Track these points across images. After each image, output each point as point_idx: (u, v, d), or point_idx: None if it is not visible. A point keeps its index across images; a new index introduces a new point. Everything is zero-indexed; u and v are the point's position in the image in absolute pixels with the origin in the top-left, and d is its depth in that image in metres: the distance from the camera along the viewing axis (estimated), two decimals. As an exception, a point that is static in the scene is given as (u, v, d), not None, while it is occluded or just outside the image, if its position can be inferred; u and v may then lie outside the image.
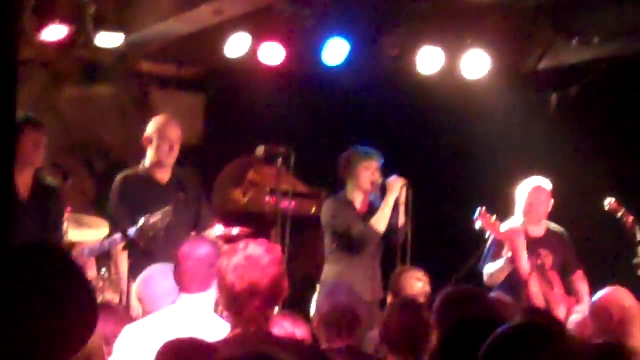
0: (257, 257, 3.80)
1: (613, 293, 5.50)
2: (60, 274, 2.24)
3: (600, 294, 5.55)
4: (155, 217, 6.10)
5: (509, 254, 7.09)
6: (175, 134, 6.75)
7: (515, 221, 7.40)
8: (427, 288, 6.22)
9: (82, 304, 2.27)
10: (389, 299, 6.45)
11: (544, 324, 2.80)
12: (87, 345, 2.60)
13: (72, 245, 7.19)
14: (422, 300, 5.96)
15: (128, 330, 4.42)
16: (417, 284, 6.21)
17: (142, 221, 6.10)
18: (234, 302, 3.81)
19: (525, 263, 7.09)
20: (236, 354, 1.91)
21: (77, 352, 2.24)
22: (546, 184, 7.43)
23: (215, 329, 4.23)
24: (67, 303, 2.16)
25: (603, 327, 5.28)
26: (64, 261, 2.30)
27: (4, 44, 3.56)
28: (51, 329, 2.07)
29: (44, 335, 2.07)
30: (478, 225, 7.13)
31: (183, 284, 4.52)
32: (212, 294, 4.50)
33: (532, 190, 7.39)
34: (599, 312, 5.40)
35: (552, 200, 7.44)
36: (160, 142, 6.69)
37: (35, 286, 2.11)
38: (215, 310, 4.67)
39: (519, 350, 2.59)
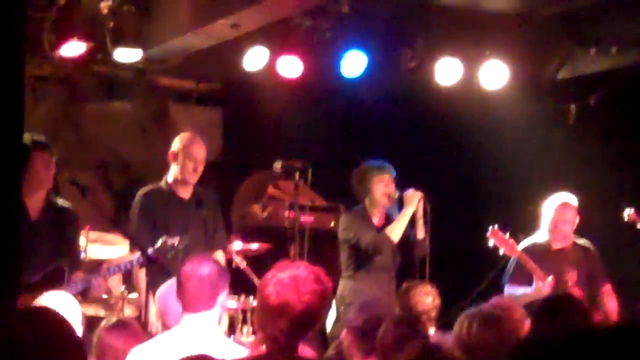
0: (301, 280, 3.69)
1: None
2: (53, 336, 2.50)
3: None
4: (174, 239, 6.09)
5: (540, 284, 6.99)
6: (200, 153, 6.78)
7: (539, 236, 7.34)
8: (437, 301, 6.09)
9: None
10: None
11: None
12: None
13: (92, 262, 7.22)
14: (433, 314, 5.87)
15: (135, 352, 4.40)
16: (426, 298, 6.05)
17: (160, 241, 6.10)
18: (264, 316, 3.74)
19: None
20: None
21: None
22: (573, 200, 7.34)
23: (220, 347, 4.20)
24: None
25: None
26: (57, 324, 2.57)
27: (11, 57, 3.53)
28: None
29: None
30: (490, 243, 7.11)
31: (186, 303, 4.48)
32: (215, 312, 4.47)
33: (558, 208, 7.29)
34: None
35: (577, 218, 7.35)
36: (186, 160, 6.72)
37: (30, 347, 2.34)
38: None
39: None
